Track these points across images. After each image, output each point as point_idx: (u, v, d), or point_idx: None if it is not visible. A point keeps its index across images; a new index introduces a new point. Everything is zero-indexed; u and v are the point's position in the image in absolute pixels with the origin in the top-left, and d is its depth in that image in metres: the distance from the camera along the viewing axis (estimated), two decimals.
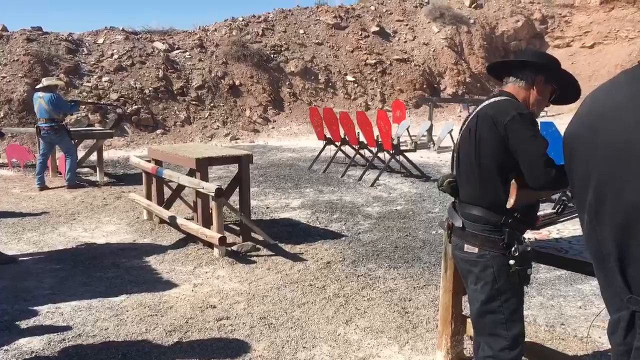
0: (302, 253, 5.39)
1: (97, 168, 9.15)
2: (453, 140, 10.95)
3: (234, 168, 6.67)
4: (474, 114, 2.40)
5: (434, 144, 12.14)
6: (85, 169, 9.71)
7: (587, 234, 1.20)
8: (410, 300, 4.23)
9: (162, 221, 6.28)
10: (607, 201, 1.12)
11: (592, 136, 1.16)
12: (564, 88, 2.41)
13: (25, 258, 5.28)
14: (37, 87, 8.74)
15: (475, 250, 2.35)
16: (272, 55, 17.36)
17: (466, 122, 2.44)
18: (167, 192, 6.61)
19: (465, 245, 2.39)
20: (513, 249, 2.26)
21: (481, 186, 2.34)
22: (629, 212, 1.08)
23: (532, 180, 2.21)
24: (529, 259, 2.29)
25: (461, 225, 2.40)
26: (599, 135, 1.14)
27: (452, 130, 11.10)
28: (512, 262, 2.26)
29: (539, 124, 2.67)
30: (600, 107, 1.18)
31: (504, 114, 2.24)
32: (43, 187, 8.37)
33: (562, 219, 3.11)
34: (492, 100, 2.37)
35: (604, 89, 1.20)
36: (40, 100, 8.22)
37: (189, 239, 5.72)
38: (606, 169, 1.12)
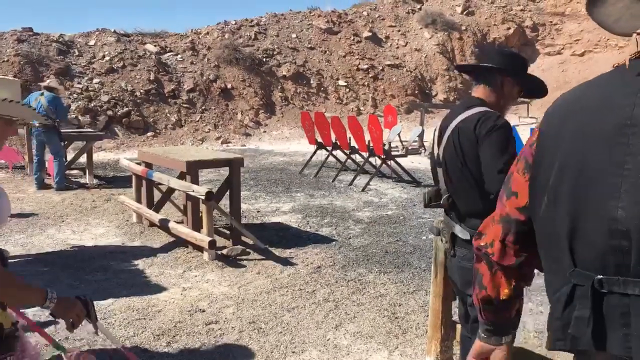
0: (292, 257, 5.37)
1: (87, 170, 9.09)
2: None
3: (224, 171, 6.65)
4: (452, 128, 2.40)
5: (425, 149, 12.17)
6: (75, 171, 9.64)
7: (543, 217, 1.24)
8: (400, 306, 4.23)
9: (151, 224, 6.25)
10: (566, 180, 1.18)
11: (561, 125, 1.22)
12: (529, 84, 2.51)
13: (12, 260, 5.22)
14: (43, 84, 8.93)
15: None
16: (264, 59, 17.37)
17: (446, 135, 2.43)
18: (157, 195, 6.57)
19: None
20: None
21: (481, 199, 2.34)
22: (585, 187, 1.14)
23: (487, 187, 2.30)
24: None
25: (469, 237, 2.40)
26: (567, 123, 1.21)
27: None
28: None
29: None
30: (572, 101, 1.25)
31: (484, 128, 2.29)
32: (41, 186, 8.35)
33: None
34: (469, 113, 2.38)
35: (577, 89, 1.27)
36: (40, 98, 8.21)
37: (179, 242, 5.69)
38: (569, 149, 1.18)
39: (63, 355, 2.04)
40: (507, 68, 2.43)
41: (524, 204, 1.31)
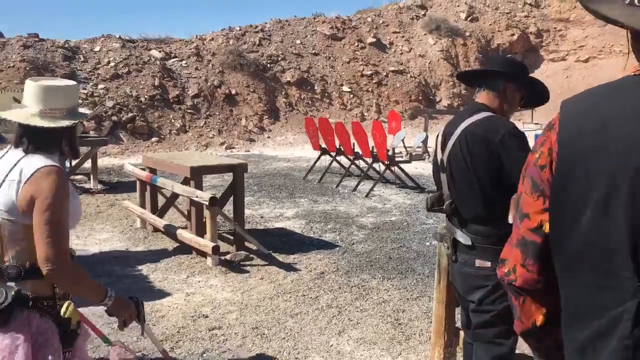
0: (296, 263, 5.37)
1: (91, 175, 9.11)
2: None
3: (228, 177, 6.66)
4: (459, 132, 2.40)
5: (429, 155, 12.17)
6: (79, 176, 9.67)
7: (588, 232, 1.19)
8: (403, 312, 4.22)
9: (155, 229, 6.26)
10: (621, 193, 1.11)
11: (600, 135, 1.16)
12: (532, 92, 2.55)
13: None
14: None
15: (488, 264, 2.34)
16: (268, 65, 17.41)
17: (451, 141, 2.44)
18: (161, 200, 6.59)
19: (477, 261, 2.37)
20: None
21: (485, 204, 2.34)
22: None
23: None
24: None
25: (470, 243, 2.39)
26: (608, 133, 1.15)
27: None
28: None
29: None
30: (604, 108, 1.19)
31: (495, 133, 2.30)
32: None
33: None
34: (476, 118, 2.38)
35: (593, 93, 1.23)
36: None
37: (183, 247, 5.70)
38: (615, 160, 1.12)
39: (109, 348, 2.12)
40: (508, 72, 2.45)
41: (536, 225, 1.27)
